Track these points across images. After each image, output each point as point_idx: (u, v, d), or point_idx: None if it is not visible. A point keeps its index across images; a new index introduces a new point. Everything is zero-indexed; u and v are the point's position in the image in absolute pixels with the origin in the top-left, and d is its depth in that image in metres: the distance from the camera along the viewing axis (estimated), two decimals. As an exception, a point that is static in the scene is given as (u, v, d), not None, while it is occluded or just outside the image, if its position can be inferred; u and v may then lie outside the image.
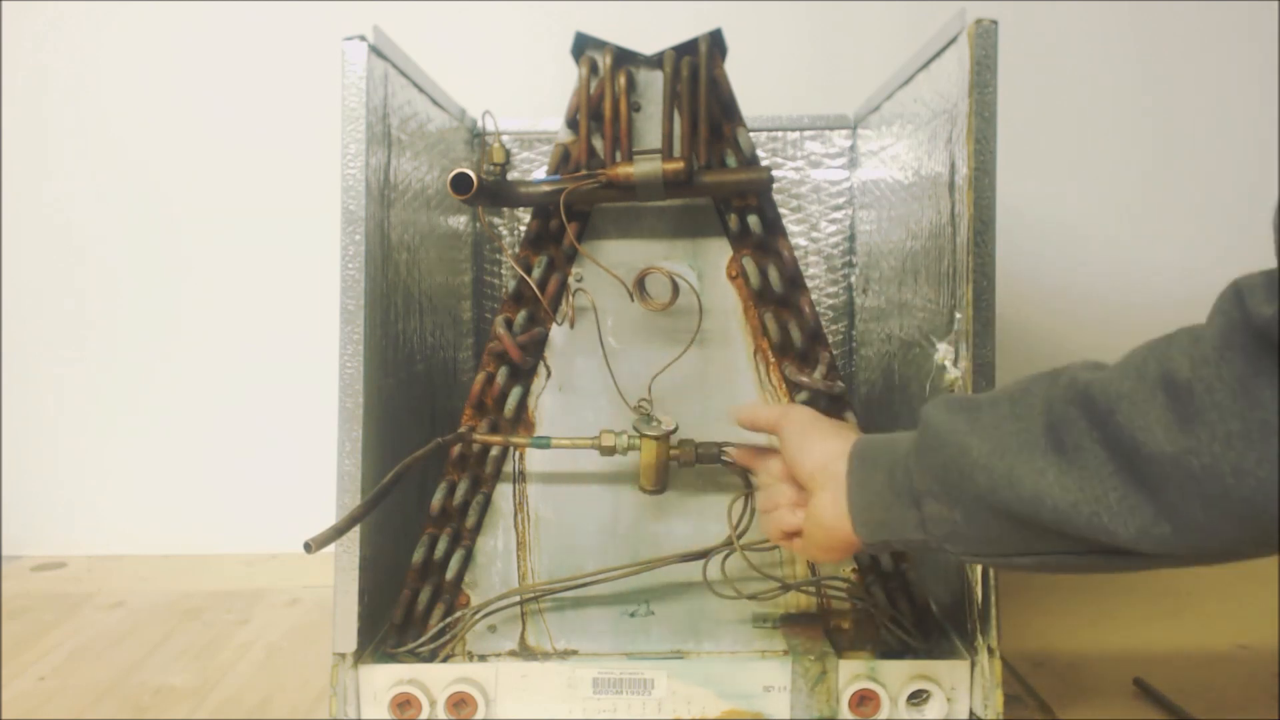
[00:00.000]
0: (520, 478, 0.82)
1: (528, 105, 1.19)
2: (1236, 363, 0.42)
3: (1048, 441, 0.49)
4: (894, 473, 0.57)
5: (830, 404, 0.80)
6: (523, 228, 1.18)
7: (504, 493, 0.82)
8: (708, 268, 0.82)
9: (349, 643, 0.76)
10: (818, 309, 0.98)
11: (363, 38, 0.77)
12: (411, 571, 0.80)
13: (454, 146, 1.08)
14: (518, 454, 0.82)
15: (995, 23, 0.73)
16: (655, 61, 0.79)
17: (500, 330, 0.79)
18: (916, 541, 0.57)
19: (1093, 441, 0.47)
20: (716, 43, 0.79)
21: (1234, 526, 0.43)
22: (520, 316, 0.81)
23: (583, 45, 0.80)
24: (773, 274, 0.80)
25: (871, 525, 0.59)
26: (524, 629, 0.82)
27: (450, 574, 0.80)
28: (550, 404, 0.82)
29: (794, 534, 0.67)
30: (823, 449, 0.63)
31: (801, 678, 0.76)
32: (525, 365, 0.81)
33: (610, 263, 0.81)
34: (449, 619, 0.80)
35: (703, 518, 0.82)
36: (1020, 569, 0.54)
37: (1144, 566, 0.49)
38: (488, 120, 1.06)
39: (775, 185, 1.00)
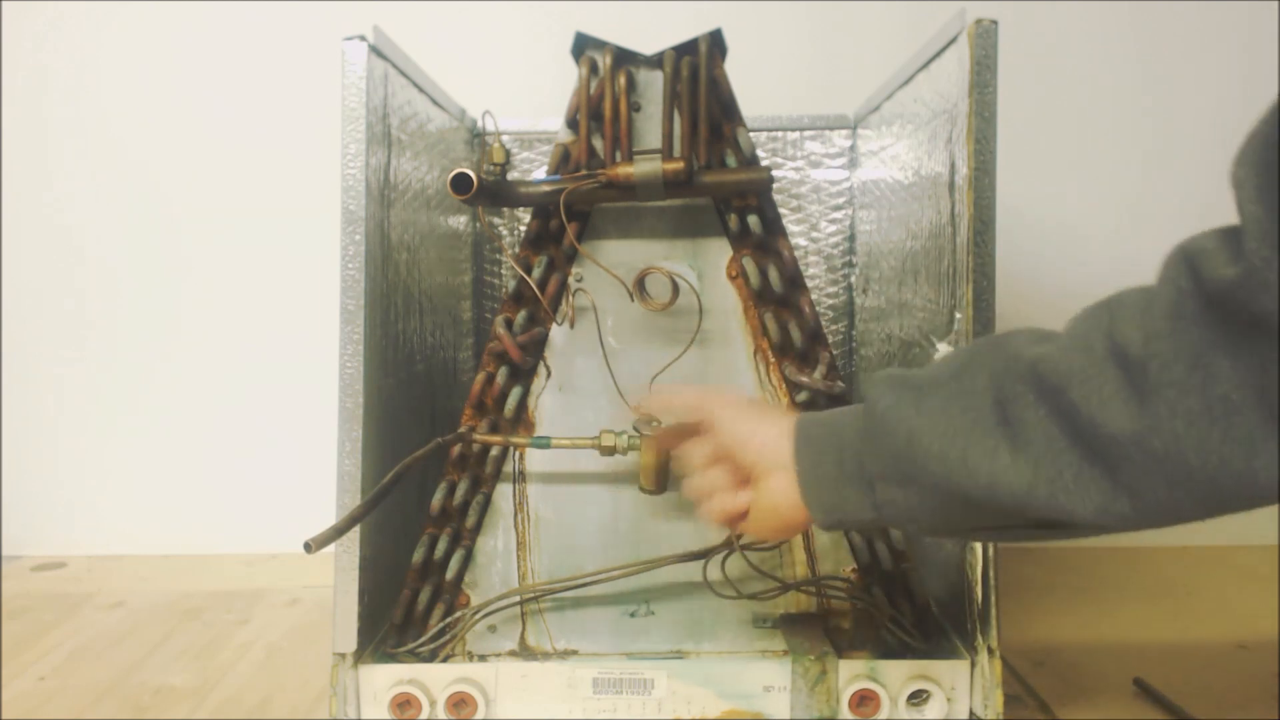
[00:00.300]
0: (520, 478, 0.82)
1: (528, 105, 1.19)
2: (1191, 334, 0.41)
3: (996, 420, 0.48)
4: (843, 456, 0.57)
5: (830, 404, 0.80)
6: (523, 228, 1.18)
7: (504, 493, 0.82)
8: (708, 268, 0.82)
9: (349, 643, 0.76)
10: (818, 309, 0.98)
11: (363, 38, 0.77)
12: (411, 571, 0.80)
13: (454, 146, 1.08)
14: (518, 454, 0.82)
15: (995, 23, 0.73)
16: (655, 61, 0.79)
17: (500, 330, 0.79)
18: (870, 521, 0.57)
19: (1042, 419, 0.46)
20: (716, 43, 0.79)
21: (1197, 504, 0.43)
22: (520, 316, 0.81)
23: (583, 45, 0.80)
24: (773, 274, 0.80)
25: (826, 508, 0.58)
26: (524, 629, 0.82)
27: (450, 574, 0.80)
28: (550, 404, 0.82)
29: (738, 517, 0.65)
30: (766, 431, 0.62)
31: (801, 678, 0.76)
32: (525, 365, 0.81)
33: (610, 263, 0.81)
34: (449, 619, 0.80)
35: (703, 518, 0.82)
36: (976, 540, 0.54)
37: (1096, 534, 0.49)
38: (488, 120, 1.06)
39: (775, 185, 1.00)
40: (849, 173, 1.19)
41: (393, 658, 0.79)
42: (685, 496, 0.67)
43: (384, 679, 0.76)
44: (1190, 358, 0.41)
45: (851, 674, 0.76)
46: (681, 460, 0.69)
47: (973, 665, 0.76)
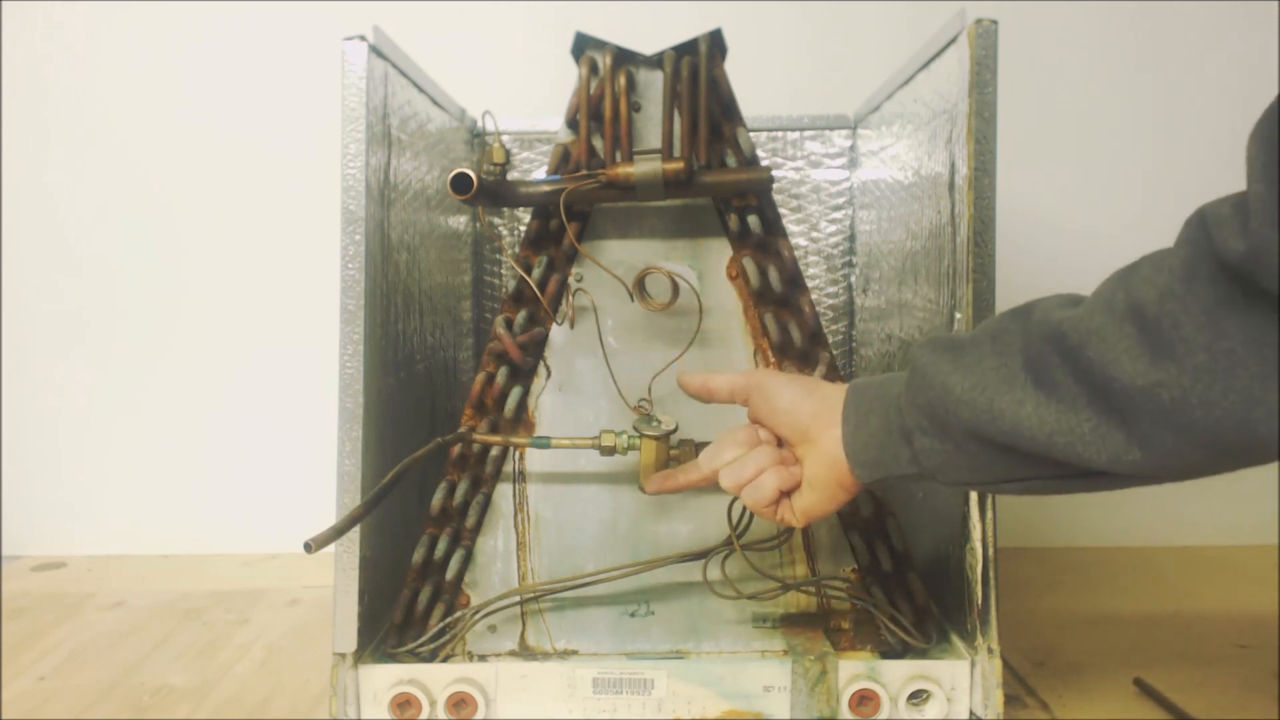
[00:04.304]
0: (520, 478, 0.82)
1: (528, 105, 1.19)
2: (1202, 294, 0.43)
3: (1027, 377, 0.52)
4: (888, 414, 0.60)
5: (830, 404, 0.80)
6: (523, 228, 1.18)
7: (504, 493, 0.82)
8: (708, 268, 0.82)
9: (349, 643, 0.76)
10: (818, 309, 0.98)
11: (363, 38, 0.77)
12: (411, 571, 0.80)
13: (454, 146, 1.08)
14: (518, 454, 0.82)
15: (995, 23, 0.73)
16: (655, 61, 0.79)
17: (500, 330, 0.79)
18: (910, 476, 0.60)
19: (1066, 376, 0.50)
20: (716, 43, 0.79)
21: (1200, 452, 0.46)
22: (520, 316, 0.81)
23: (583, 45, 0.80)
24: (773, 274, 0.80)
25: (868, 465, 0.61)
26: (524, 629, 0.82)
27: (450, 574, 0.80)
28: (550, 404, 0.82)
29: (789, 491, 0.66)
30: (820, 394, 0.65)
31: (801, 678, 0.76)
32: (525, 365, 0.81)
33: (610, 263, 0.81)
34: (449, 619, 0.80)
35: (703, 518, 0.82)
36: (1007, 493, 0.58)
37: (1121, 485, 0.52)
38: (488, 120, 1.06)
39: (775, 185, 1.00)
40: (849, 173, 1.19)
41: (393, 658, 0.79)
42: (726, 489, 0.67)
43: (384, 679, 0.76)
44: (1200, 315, 0.43)
45: (851, 674, 0.76)
46: (714, 454, 0.69)
47: (973, 665, 0.76)
